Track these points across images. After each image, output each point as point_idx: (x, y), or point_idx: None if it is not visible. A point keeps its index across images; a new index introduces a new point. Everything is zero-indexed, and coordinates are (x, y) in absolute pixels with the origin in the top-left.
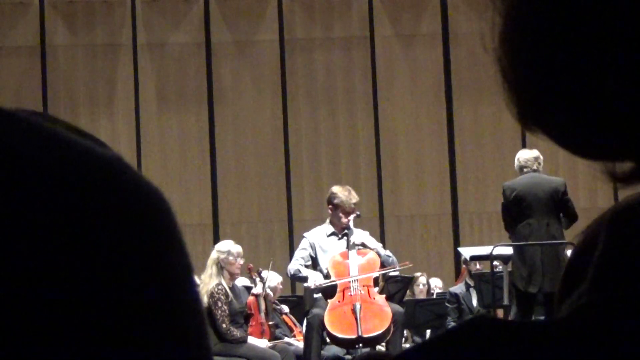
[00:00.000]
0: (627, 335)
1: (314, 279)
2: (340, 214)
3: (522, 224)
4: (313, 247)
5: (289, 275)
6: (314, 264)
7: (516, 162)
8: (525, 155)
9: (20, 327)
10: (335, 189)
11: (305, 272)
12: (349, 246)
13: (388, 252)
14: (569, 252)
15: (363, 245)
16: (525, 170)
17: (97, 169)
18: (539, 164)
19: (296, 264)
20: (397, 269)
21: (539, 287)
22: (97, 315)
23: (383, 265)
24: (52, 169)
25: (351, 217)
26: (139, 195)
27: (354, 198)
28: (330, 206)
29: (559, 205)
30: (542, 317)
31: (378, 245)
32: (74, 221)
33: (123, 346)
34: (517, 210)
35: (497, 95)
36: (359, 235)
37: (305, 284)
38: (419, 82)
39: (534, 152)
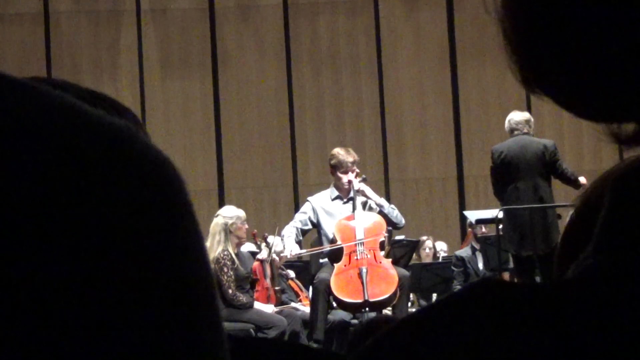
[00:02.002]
0: (633, 296)
1: (290, 249)
2: (340, 174)
3: (510, 187)
4: (315, 212)
5: (280, 235)
6: (318, 228)
7: (507, 124)
8: (516, 117)
9: (29, 302)
10: (335, 150)
11: (287, 239)
12: (355, 207)
13: (392, 206)
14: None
15: (362, 193)
16: (515, 132)
17: (104, 138)
18: (530, 126)
19: (289, 228)
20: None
21: (533, 250)
22: (108, 285)
23: (388, 219)
24: (57, 138)
25: (352, 178)
26: (148, 165)
27: (352, 157)
28: (330, 169)
29: (548, 167)
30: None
31: (381, 199)
32: (80, 191)
33: (134, 313)
34: (505, 174)
35: (501, 58)
36: (360, 185)
37: (282, 254)
38: (423, 46)
39: (525, 115)
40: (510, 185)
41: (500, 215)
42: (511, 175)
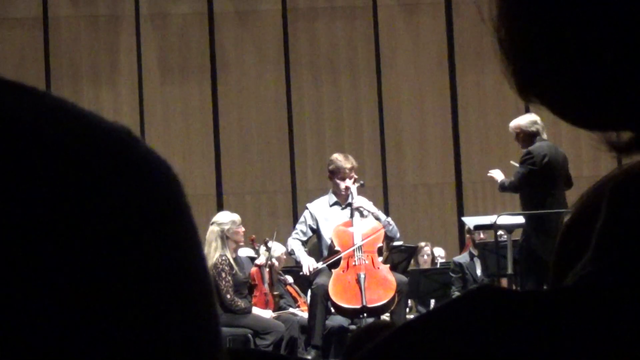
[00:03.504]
0: (632, 305)
1: (308, 265)
2: (337, 180)
3: (545, 194)
4: (314, 218)
5: (288, 250)
6: (318, 235)
7: (533, 127)
8: (539, 120)
9: (27, 302)
10: (333, 156)
11: (299, 253)
12: (352, 214)
13: (389, 219)
14: None
15: (361, 208)
16: (544, 136)
17: (105, 140)
18: None
19: (294, 241)
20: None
21: None
22: (105, 287)
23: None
24: (59, 140)
25: (350, 184)
26: (147, 168)
27: (350, 163)
28: (329, 174)
29: (567, 176)
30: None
31: (378, 211)
32: (78, 195)
33: (130, 319)
34: (544, 178)
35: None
36: (360, 200)
37: (301, 273)
38: (421, 51)
39: None
40: (544, 191)
41: (499, 221)
42: (549, 181)
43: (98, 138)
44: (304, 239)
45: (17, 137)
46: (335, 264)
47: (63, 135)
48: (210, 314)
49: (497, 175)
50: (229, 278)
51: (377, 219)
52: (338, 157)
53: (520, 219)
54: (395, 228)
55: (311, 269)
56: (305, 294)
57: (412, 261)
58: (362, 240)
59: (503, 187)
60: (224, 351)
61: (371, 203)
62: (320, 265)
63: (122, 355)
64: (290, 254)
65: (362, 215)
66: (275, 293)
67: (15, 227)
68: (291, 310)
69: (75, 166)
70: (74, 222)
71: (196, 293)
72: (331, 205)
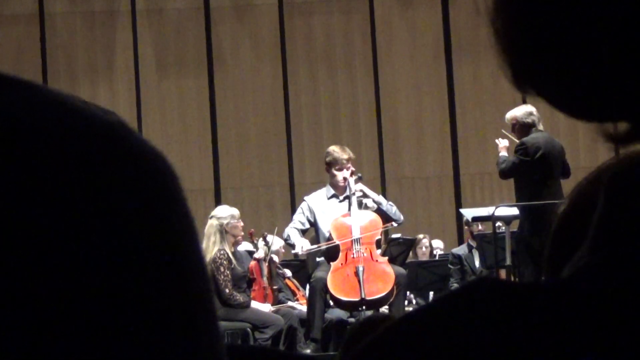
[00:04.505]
0: (632, 295)
1: (301, 245)
2: (335, 171)
3: (541, 185)
4: (312, 211)
5: (284, 237)
6: (315, 228)
7: (529, 118)
8: (536, 111)
9: (25, 302)
10: (330, 148)
11: (294, 238)
12: (351, 204)
13: (390, 202)
14: None
15: (363, 193)
16: (539, 127)
17: (100, 134)
18: None
19: (290, 229)
20: (395, 224)
21: None
22: (102, 282)
23: (386, 217)
24: (55, 134)
25: (347, 175)
26: (143, 160)
27: (347, 154)
28: (326, 166)
29: (563, 166)
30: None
31: (379, 196)
32: (77, 186)
33: (128, 312)
34: (539, 170)
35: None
36: (359, 186)
37: (293, 251)
38: (418, 44)
39: None
40: (539, 182)
41: (497, 212)
42: (544, 172)
43: (91, 129)
44: (302, 228)
45: (10, 129)
46: (334, 257)
47: (56, 127)
48: (207, 304)
49: (503, 145)
50: (228, 272)
51: (379, 203)
52: (335, 149)
53: (518, 211)
54: (398, 211)
55: (304, 249)
56: (304, 288)
57: (410, 253)
58: (361, 233)
59: (498, 163)
60: (222, 345)
61: (368, 189)
62: (315, 247)
63: (119, 351)
64: (285, 240)
65: (360, 205)
66: (274, 287)
67: (5, 220)
68: (290, 303)
69: (68, 158)
70: (67, 214)
71: (192, 284)
72: (329, 198)
